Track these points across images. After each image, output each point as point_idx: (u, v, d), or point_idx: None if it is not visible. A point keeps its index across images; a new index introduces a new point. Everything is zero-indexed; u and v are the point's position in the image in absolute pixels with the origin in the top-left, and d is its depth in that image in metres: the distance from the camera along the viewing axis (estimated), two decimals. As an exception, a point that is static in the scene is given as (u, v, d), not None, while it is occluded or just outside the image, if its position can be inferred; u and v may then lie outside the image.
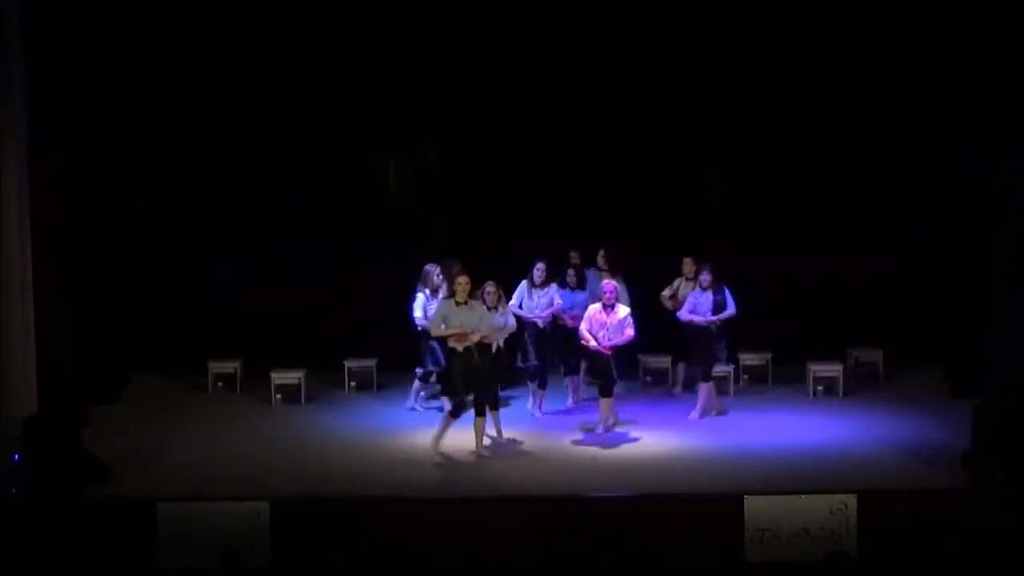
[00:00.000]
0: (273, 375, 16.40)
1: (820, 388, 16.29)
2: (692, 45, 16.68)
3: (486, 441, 14.13)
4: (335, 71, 17.00)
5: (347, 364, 16.90)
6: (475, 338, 13.76)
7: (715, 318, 15.26)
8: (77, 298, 15.15)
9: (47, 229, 14.13)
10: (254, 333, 17.33)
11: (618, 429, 14.84)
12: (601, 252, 15.99)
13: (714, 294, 15.29)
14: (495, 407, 14.29)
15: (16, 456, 12.91)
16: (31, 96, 13.76)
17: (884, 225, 17.52)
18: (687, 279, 15.84)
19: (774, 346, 16.98)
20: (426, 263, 15.42)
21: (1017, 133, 13.98)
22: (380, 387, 16.87)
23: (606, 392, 14.70)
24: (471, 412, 13.98)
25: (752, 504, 12.22)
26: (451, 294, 14.11)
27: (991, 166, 14.63)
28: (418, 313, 15.21)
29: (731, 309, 15.37)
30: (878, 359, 17.01)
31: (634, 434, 14.76)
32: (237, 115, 17.10)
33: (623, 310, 14.60)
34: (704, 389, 15.41)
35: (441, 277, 15.21)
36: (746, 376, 16.88)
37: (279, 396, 16.35)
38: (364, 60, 17.03)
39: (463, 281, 13.97)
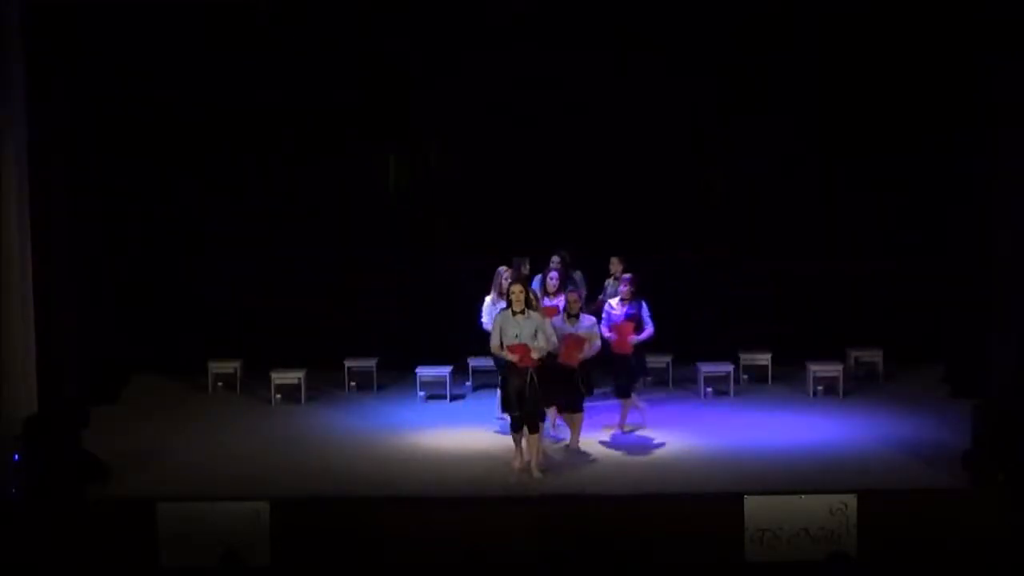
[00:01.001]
0: (273, 375, 16.40)
1: (820, 388, 16.29)
2: (692, 45, 16.68)
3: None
4: (335, 71, 17.00)
5: (347, 364, 16.90)
6: (535, 357, 13.07)
7: (635, 338, 14.45)
8: (77, 298, 15.15)
9: (47, 229, 14.13)
10: (254, 333, 17.34)
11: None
12: (555, 259, 15.36)
13: (630, 308, 14.50)
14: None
15: (16, 456, 12.91)
16: (31, 96, 13.77)
17: (884, 225, 17.52)
18: (615, 278, 15.50)
19: (774, 346, 16.98)
20: (499, 267, 14.85)
21: (1017, 133, 13.99)
22: (380, 387, 16.87)
23: (575, 407, 14.10)
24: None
25: (752, 504, 12.21)
26: (507, 304, 13.37)
27: (991, 166, 14.64)
28: (484, 318, 14.68)
29: (649, 329, 14.54)
30: (878, 359, 17.00)
31: (634, 434, 14.75)
32: (237, 115, 17.10)
33: (588, 320, 13.98)
34: (623, 404, 14.73)
35: (510, 280, 14.38)
36: (746, 376, 16.88)
37: (279, 396, 16.36)
38: (364, 60, 17.03)
39: (517, 290, 13.21)
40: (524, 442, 13.32)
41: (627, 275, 14.83)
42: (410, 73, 17.19)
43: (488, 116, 17.24)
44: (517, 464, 13.34)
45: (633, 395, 14.78)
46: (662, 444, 14.41)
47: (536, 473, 13.19)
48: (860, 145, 17.21)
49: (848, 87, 16.90)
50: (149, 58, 16.20)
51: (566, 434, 14.36)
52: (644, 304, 14.63)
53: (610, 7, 15.90)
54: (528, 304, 13.19)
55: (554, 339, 13.47)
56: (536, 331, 13.08)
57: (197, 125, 17.14)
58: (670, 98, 17.10)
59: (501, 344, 13.20)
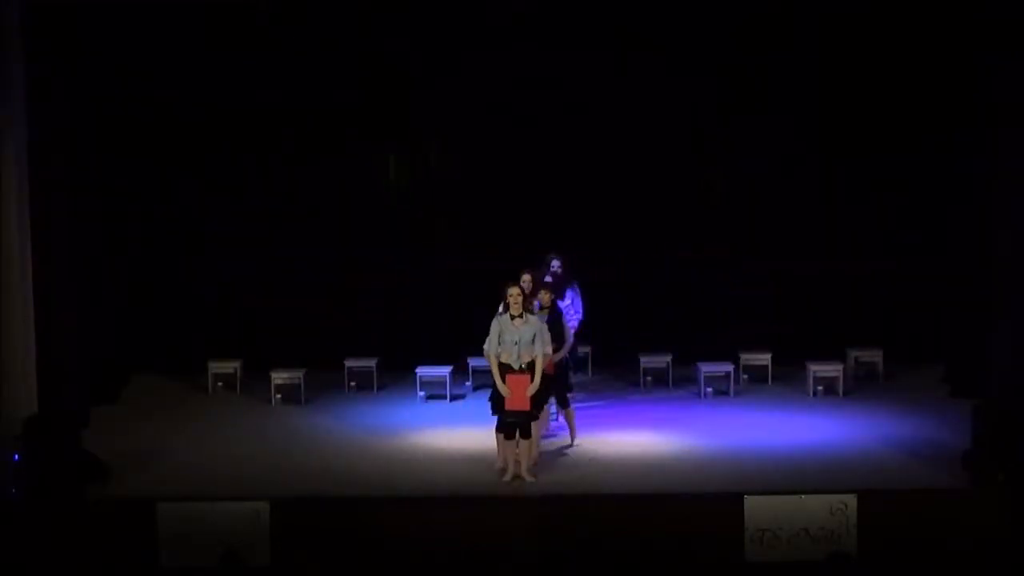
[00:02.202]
0: (273, 375, 16.40)
1: (820, 388, 16.27)
2: (692, 45, 16.68)
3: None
4: (335, 71, 17.01)
5: (347, 364, 16.89)
6: (529, 395, 12.84)
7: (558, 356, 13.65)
8: (77, 298, 15.15)
9: (47, 229, 14.14)
10: (254, 333, 17.34)
11: (619, 431, 14.82)
12: (556, 262, 15.04)
13: (548, 318, 13.63)
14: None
15: (16, 456, 12.92)
16: (31, 96, 13.76)
17: (884, 225, 17.50)
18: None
19: (774, 346, 16.97)
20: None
21: (1017, 133, 13.99)
22: (380, 387, 16.87)
23: (564, 403, 13.92)
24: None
25: (752, 504, 12.21)
26: (505, 308, 13.12)
27: (991, 166, 14.63)
28: None
29: (569, 341, 14.05)
30: (878, 359, 16.99)
31: (634, 434, 14.75)
32: (237, 115, 17.09)
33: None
34: (567, 416, 14.29)
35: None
36: (746, 376, 16.87)
37: (279, 396, 16.35)
38: (364, 60, 17.03)
39: (515, 293, 12.90)
40: (513, 447, 13.03)
41: (548, 278, 14.41)
42: (410, 73, 17.18)
43: (488, 116, 17.23)
44: (507, 477, 13.05)
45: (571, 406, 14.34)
46: (662, 444, 14.41)
47: (528, 477, 13.08)
48: (860, 145, 17.19)
49: (848, 87, 16.88)
50: (149, 58, 16.21)
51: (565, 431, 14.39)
52: (562, 313, 14.17)
53: (610, 7, 15.90)
54: (527, 308, 13.06)
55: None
56: (535, 337, 12.96)
57: (197, 125, 17.12)
58: (670, 98, 17.09)
59: (498, 355, 12.94)
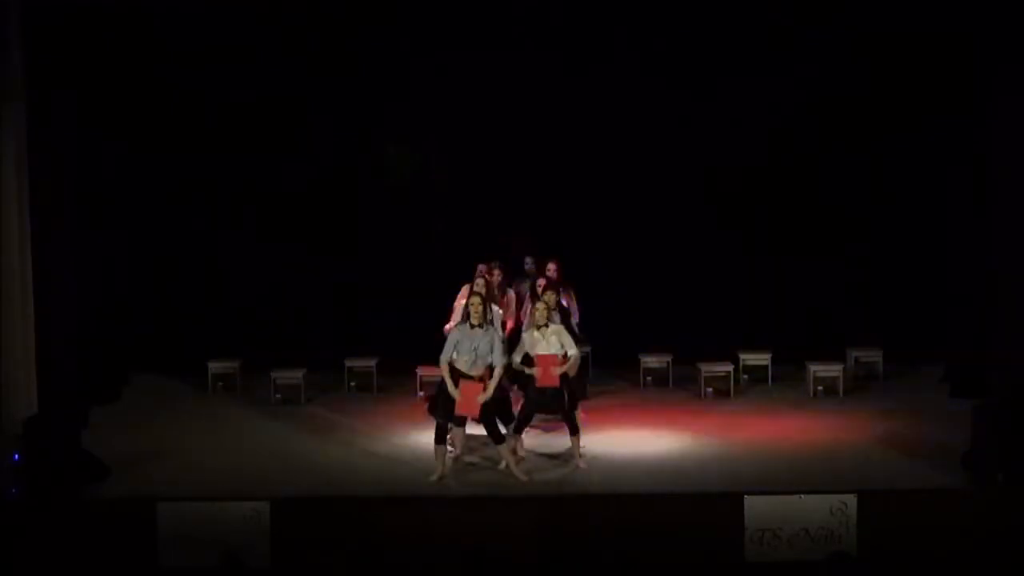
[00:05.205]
0: (273, 375, 16.40)
1: (820, 388, 16.28)
2: (691, 43, 16.69)
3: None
4: (335, 70, 17.01)
5: (347, 364, 16.89)
6: (486, 393, 12.81)
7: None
8: (77, 298, 15.15)
9: (47, 228, 14.14)
10: (254, 333, 17.33)
11: (619, 431, 14.83)
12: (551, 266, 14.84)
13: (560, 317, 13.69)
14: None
15: (16, 456, 12.92)
16: (31, 95, 13.76)
17: (884, 224, 17.50)
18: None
19: (774, 346, 16.97)
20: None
21: (1018, 132, 13.97)
22: (380, 387, 16.86)
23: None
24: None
25: (752, 504, 12.21)
26: (464, 316, 13.11)
27: (992, 165, 14.62)
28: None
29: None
30: (878, 359, 17.00)
31: (634, 434, 14.75)
32: (236, 114, 17.09)
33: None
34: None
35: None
36: (746, 376, 16.87)
37: (279, 396, 16.35)
38: (364, 60, 17.03)
39: (476, 302, 12.89)
40: (444, 452, 13.04)
41: (539, 279, 14.30)
42: (410, 73, 17.18)
43: (487, 116, 17.22)
44: (435, 477, 12.98)
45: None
46: (662, 444, 14.41)
47: (523, 477, 13.09)
48: (861, 143, 17.20)
49: (849, 83, 16.89)
50: (149, 56, 16.22)
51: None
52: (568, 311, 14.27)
53: (611, 8, 15.92)
54: (485, 318, 12.99)
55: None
56: (492, 347, 12.93)
57: (197, 124, 17.13)
58: (670, 98, 17.09)
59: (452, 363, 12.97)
